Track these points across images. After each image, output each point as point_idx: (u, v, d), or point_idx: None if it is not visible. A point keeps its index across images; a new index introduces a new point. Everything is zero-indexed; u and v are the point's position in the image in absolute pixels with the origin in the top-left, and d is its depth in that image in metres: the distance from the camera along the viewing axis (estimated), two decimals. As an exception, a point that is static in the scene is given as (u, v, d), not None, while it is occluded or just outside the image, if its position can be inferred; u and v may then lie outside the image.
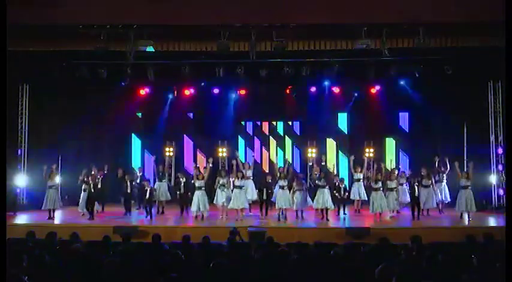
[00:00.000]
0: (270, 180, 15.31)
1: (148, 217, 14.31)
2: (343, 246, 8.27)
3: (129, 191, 15.29)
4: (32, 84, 16.72)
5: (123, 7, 12.49)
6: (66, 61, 15.50)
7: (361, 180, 16.00)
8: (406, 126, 19.18)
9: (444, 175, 15.46)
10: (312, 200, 14.79)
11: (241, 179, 14.61)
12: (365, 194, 15.78)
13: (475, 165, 15.09)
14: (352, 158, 16.21)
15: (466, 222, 13.89)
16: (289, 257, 6.35)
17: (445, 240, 9.30)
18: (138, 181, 15.78)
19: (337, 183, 15.11)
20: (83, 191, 15.06)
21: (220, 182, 14.65)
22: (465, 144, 17.11)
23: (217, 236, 9.69)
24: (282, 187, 14.39)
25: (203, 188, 14.26)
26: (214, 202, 14.74)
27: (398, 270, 4.76)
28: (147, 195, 14.61)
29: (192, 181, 14.77)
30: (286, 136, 19.61)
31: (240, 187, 14.34)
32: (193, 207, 14.20)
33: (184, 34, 13.71)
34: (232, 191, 14.52)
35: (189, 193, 14.86)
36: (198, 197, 14.12)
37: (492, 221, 13.99)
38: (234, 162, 15.91)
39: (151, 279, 5.59)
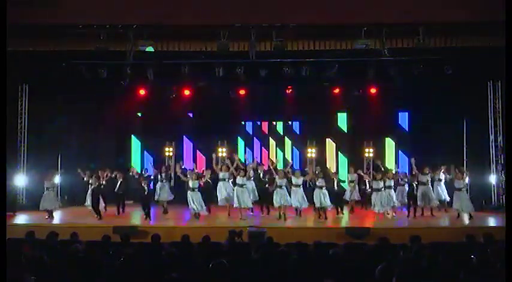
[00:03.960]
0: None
1: (148, 219, 14.24)
2: (343, 246, 8.27)
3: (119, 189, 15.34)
4: (32, 84, 16.72)
5: (123, 7, 12.51)
6: (66, 61, 15.49)
7: (355, 182, 16.01)
8: (405, 126, 19.20)
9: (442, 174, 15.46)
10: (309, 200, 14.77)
11: (243, 177, 14.58)
12: (359, 195, 15.83)
13: (474, 165, 15.11)
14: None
15: (466, 222, 13.89)
16: (289, 257, 6.35)
17: (445, 240, 9.29)
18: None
19: (335, 181, 15.16)
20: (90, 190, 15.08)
21: (221, 176, 14.75)
22: (465, 144, 17.12)
23: (217, 236, 9.67)
24: (279, 186, 14.37)
25: (196, 189, 14.27)
26: (218, 198, 14.84)
27: (398, 270, 4.76)
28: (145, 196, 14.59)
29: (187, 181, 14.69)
30: (286, 136, 19.62)
31: (242, 185, 14.33)
32: (191, 206, 14.21)
33: (184, 34, 13.71)
34: (234, 189, 14.57)
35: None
36: (192, 198, 14.12)
37: (492, 221, 13.98)
38: (228, 161, 15.79)
39: (151, 279, 5.59)
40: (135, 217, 14.94)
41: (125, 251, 7.03)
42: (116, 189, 15.48)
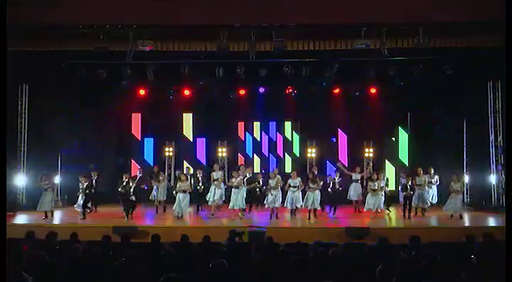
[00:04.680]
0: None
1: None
2: (343, 246, 8.28)
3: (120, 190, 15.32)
4: (32, 84, 16.72)
5: (123, 7, 12.49)
6: (66, 61, 15.49)
7: (359, 181, 16.04)
8: (406, 126, 19.18)
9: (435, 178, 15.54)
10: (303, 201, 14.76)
11: (238, 178, 14.59)
12: (361, 195, 15.84)
13: (474, 165, 15.17)
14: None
15: (466, 222, 13.91)
16: (289, 257, 6.35)
17: (445, 240, 9.29)
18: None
19: (328, 181, 15.16)
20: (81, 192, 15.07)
21: (214, 176, 14.89)
22: (465, 144, 17.12)
23: (217, 236, 9.68)
24: (273, 187, 14.36)
25: (186, 191, 14.30)
26: (207, 198, 15.00)
27: (398, 270, 4.76)
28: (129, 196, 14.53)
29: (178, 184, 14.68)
30: (285, 136, 19.61)
31: (237, 187, 14.37)
32: (175, 207, 14.24)
33: (184, 34, 13.71)
34: (231, 191, 14.60)
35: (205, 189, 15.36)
36: (179, 199, 14.14)
37: (492, 221, 13.98)
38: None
39: (151, 279, 5.59)
40: (135, 217, 14.91)
41: (125, 251, 7.04)
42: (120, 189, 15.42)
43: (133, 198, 14.37)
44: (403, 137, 19.12)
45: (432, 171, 15.46)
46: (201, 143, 19.53)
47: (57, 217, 14.73)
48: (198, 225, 13.65)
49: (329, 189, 15.30)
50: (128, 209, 14.18)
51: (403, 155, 19.02)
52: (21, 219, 14.54)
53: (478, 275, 5.49)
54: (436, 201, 15.47)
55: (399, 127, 19.17)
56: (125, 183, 14.82)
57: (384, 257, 6.28)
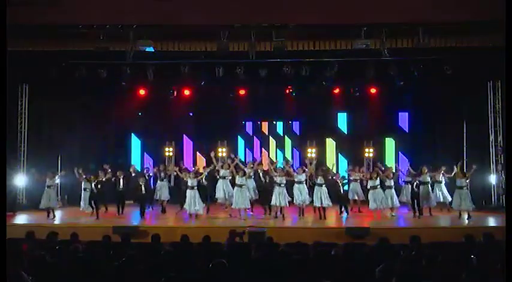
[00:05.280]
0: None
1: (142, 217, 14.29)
2: (343, 246, 8.28)
3: (120, 189, 15.34)
4: (32, 84, 16.71)
5: (123, 7, 12.51)
6: (66, 61, 15.49)
7: (359, 181, 16.04)
8: (405, 126, 19.19)
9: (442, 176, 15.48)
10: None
11: (243, 177, 14.57)
12: (362, 194, 15.83)
13: (474, 164, 15.18)
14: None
15: (466, 222, 13.90)
16: (289, 257, 6.36)
17: (445, 240, 9.29)
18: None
19: (337, 181, 15.18)
20: (83, 190, 15.08)
21: (221, 174, 14.85)
22: (465, 144, 17.12)
23: (217, 236, 9.68)
24: (279, 184, 14.35)
25: (195, 187, 14.32)
26: (216, 196, 15.00)
27: (398, 270, 4.76)
28: (141, 192, 14.58)
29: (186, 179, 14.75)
30: (286, 136, 19.62)
31: (241, 185, 14.33)
32: (187, 207, 14.26)
33: (184, 34, 13.72)
34: (233, 188, 14.60)
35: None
36: (190, 196, 14.17)
37: (492, 221, 13.98)
38: (229, 160, 15.91)
39: (151, 279, 5.59)
40: (135, 217, 14.93)
41: (125, 251, 7.04)
42: (116, 188, 15.45)
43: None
44: (402, 136, 19.11)
45: (443, 170, 15.36)
46: (201, 143, 19.51)
47: (58, 217, 14.72)
48: (198, 225, 13.65)
49: (333, 178, 15.20)
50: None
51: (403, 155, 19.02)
52: (21, 219, 14.55)
53: (478, 275, 5.49)
54: (450, 200, 15.33)
55: (399, 127, 19.16)
56: (120, 181, 14.92)
57: (383, 257, 6.28)
